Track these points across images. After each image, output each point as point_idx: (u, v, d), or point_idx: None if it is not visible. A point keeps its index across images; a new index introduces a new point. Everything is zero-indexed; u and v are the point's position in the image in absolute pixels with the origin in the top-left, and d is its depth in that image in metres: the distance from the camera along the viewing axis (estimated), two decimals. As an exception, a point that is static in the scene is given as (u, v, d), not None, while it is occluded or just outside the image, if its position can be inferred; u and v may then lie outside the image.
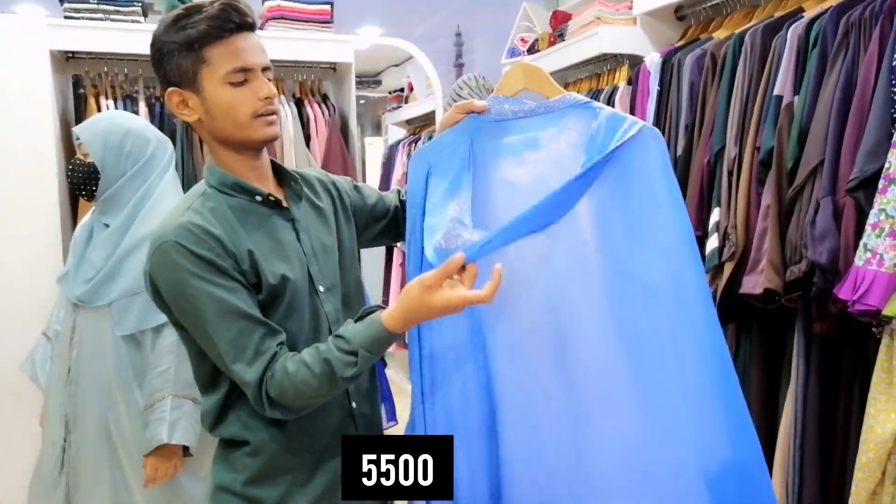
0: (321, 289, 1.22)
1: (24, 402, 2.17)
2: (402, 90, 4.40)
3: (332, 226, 1.29)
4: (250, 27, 1.15)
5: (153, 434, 1.73)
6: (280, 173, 1.27)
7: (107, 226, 1.84)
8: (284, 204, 1.23)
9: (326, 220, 1.29)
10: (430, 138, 3.10)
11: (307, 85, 2.83)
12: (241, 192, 1.19)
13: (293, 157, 2.36)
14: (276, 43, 2.31)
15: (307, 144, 2.55)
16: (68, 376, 1.86)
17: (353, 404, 1.26)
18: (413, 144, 3.87)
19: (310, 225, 1.25)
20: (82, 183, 1.84)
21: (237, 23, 1.12)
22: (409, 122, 4.25)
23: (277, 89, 2.44)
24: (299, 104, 2.72)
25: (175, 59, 1.13)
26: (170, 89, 1.16)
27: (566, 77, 2.97)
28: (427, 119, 3.71)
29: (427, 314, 1.06)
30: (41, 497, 1.91)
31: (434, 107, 3.09)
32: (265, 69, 1.16)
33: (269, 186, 1.24)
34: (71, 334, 1.86)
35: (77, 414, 1.85)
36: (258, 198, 1.19)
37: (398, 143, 4.12)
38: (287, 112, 2.51)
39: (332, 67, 2.85)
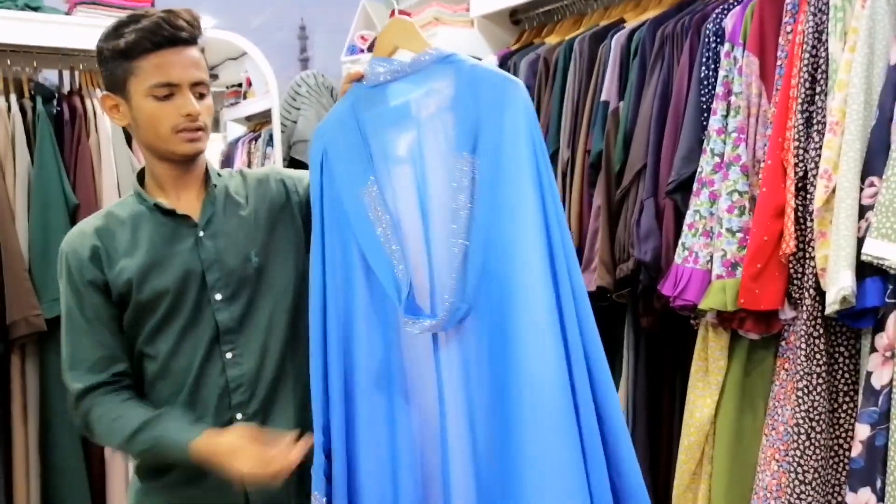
0: (217, 297, 1.23)
1: None
2: (240, 85, 4.20)
3: (258, 230, 1.28)
4: (185, 41, 1.18)
5: None
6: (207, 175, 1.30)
7: None
8: (194, 212, 1.25)
9: (248, 225, 1.28)
10: (270, 137, 3.00)
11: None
12: (142, 202, 1.25)
13: (111, 156, 2.16)
14: (84, 31, 2.09)
15: (129, 144, 2.34)
16: None
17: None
18: (253, 142, 3.71)
19: (220, 231, 1.26)
20: None
21: (167, 37, 1.15)
22: (248, 118, 4.07)
23: (90, 82, 2.23)
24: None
25: (109, 66, 1.19)
26: (103, 93, 1.24)
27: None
28: (266, 116, 3.57)
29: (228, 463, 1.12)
30: None
31: (270, 104, 2.98)
32: (196, 84, 1.19)
33: (192, 194, 1.27)
34: None
35: None
36: (158, 209, 1.24)
37: (237, 140, 3.93)
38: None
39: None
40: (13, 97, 2.06)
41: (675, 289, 1.58)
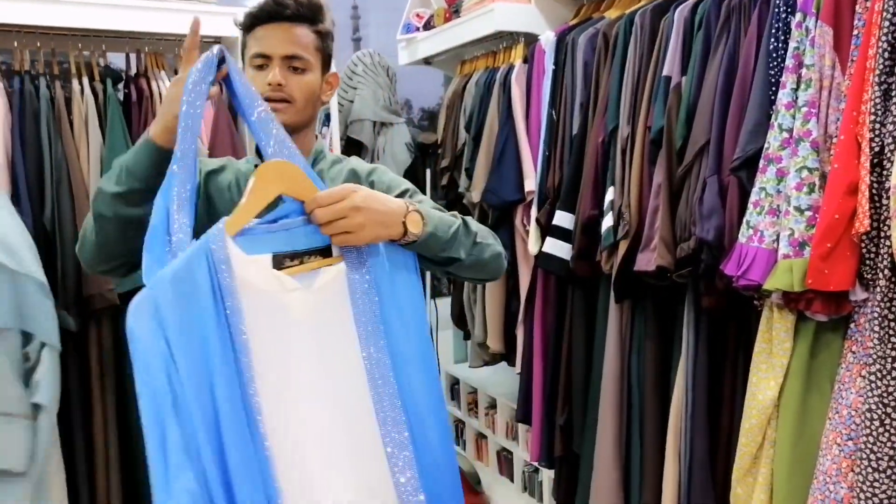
0: None
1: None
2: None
3: None
4: (288, 18, 1.26)
5: None
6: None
7: None
8: None
9: None
10: (327, 117, 3.03)
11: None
12: (252, 163, 1.35)
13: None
14: (148, 14, 2.14)
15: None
16: None
17: None
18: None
19: None
20: None
21: (268, 12, 1.26)
22: (304, 98, 4.13)
23: (154, 65, 2.28)
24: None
25: (241, 40, 1.33)
26: None
27: (462, 54, 2.95)
28: (323, 96, 3.62)
29: (173, 100, 1.08)
30: None
31: (329, 84, 3.03)
32: (290, 58, 1.26)
33: None
34: None
35: None
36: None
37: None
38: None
39: (217, 41, 2.69)
40: (85, 80, 2.14)
41: (739, 268, 1.54)
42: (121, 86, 2.26)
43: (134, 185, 1.12)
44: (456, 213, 1.27)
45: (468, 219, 1.26)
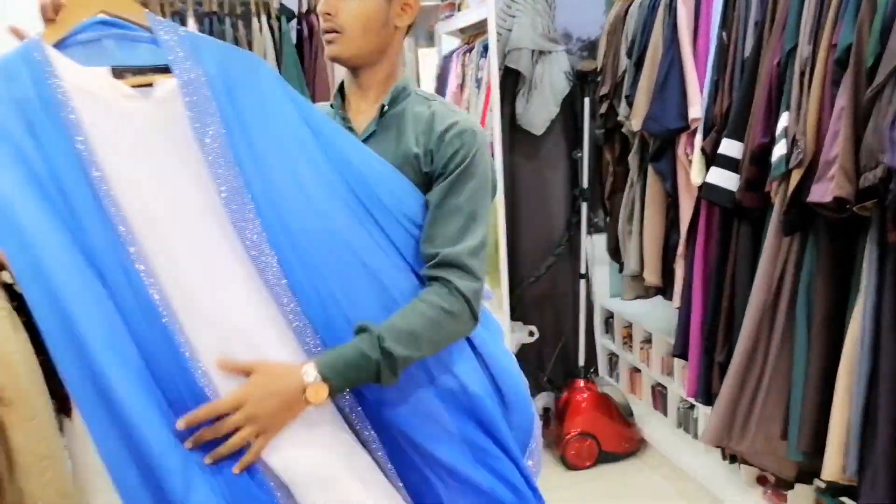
0: None
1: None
2: (454, -3, 4.25)
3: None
4: None
5: None
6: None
7: None
8: (359, 127, 1.21)
9: (394, 160, 1.16)
10: (484, 48, 3.02)
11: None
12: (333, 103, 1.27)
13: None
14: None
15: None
16: None
17: None
18: (467, 54, 3.77)
19: None
20: None
21: None
22: (462, 31, 4.12)
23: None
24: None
25: None
26: None
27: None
28: (480, 27, 3.59)
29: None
30: None
31: (486, 14, 2.99)
32: None
33: (367, 107, 1.22)
34: None
35: None
36: (338, 113, 1.24)
37: (451, 53, 4.01)
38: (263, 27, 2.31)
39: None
40: (263, 18, 2.30)
41: (934, 200, 1.39)
42: (293, 23, 2.40)
43: None
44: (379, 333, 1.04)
45: (395, 323, 1.06)
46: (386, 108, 1.20)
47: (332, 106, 1.26)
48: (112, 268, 0.97)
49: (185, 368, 0.99)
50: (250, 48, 2.25)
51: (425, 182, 1.16)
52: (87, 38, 1.00)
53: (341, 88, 1.25)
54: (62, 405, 2.15)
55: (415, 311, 1.08)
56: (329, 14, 1.14)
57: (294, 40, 2.28)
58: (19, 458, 1.89)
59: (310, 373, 1.01)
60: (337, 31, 1.15)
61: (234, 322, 1.02)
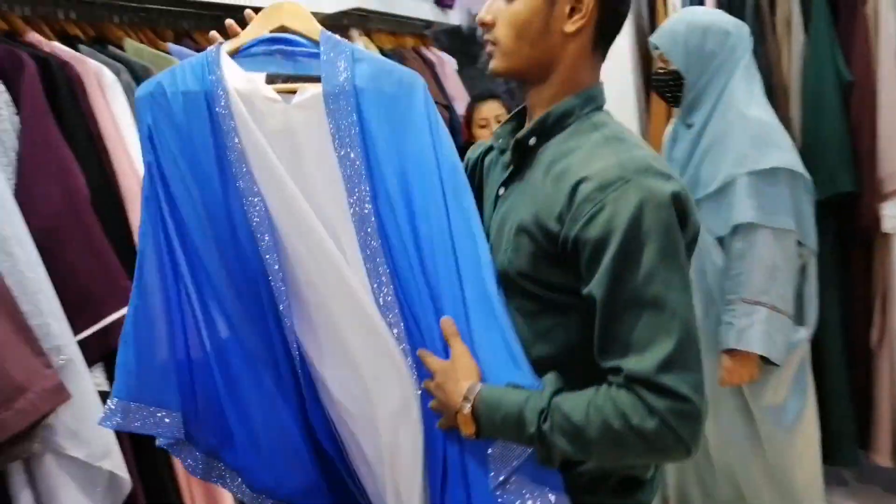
0: None
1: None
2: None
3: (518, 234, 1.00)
4: None
5: (721, 338, 1.72)
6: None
7: (689, 126, 1.82)
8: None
9: (527, 201, 0.96)
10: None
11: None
12: None
13: (892, 27, 1.96)
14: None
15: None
16: None
17: None
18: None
19: (513, 192, 1.01)
20: (666, 90, 1.84)
21: None
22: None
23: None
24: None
25: None
26: None
27: None
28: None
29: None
30: None
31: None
32: None
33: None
34: None
35: None
36: None
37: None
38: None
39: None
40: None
41: None
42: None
43: None
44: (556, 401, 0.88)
45: (565, 409, 0.87)
46: (525, 141, 0.98)
47: (497, 135, 1.07)
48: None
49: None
50: (773, 12, 2.06)
51: (563, 260, 0.89)
52: (262, 50, 1.09)
53: (522, 111, 1.06)
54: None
55: (597, 408, 0.85)
56: (485, 23, 0.98)
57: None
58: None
59: (465, 406, 0.93)
60: (492, 43, 0.98)
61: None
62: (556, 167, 0.92)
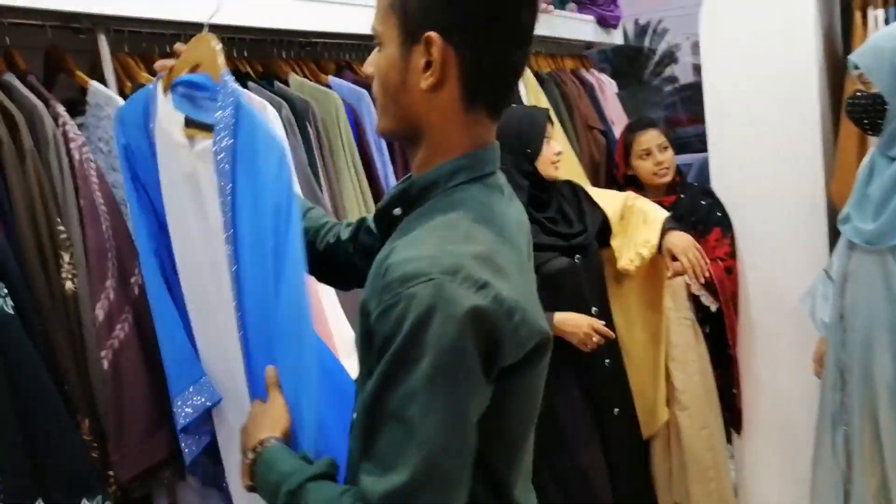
0: None
1: (803, 331, 2.13)
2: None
3: None
4: None
5: None
6: None
7: (892, 160, 1.66)
8: None
9: None
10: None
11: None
12: None
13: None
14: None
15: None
16: (840, 324, 1.78)
17: None
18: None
19: None
20: (864, 117, 1.68)
21: None
22: None
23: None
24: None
25: None
26: None
27: None
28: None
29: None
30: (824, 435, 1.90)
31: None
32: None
33: None
34: (842, 281, 1.77)
35: (848, 364, 1.77)
36: None
37: None
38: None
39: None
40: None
41: None
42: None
43: None
44: (310, 482, 0.83)
45: (309, 500, 0.82)
46: (390, 210, 0.88)
47: (387, 195, 1.00)
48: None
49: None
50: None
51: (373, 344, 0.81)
52: (180, 91, 1.16)
53: None
54: (735, 420, 2.42)
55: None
56: (368, 76, 0.89)
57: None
58: (688, 462, 2.11)
59: (249, 456, 0.93)
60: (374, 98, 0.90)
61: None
62: (394, 244, 0.81)
